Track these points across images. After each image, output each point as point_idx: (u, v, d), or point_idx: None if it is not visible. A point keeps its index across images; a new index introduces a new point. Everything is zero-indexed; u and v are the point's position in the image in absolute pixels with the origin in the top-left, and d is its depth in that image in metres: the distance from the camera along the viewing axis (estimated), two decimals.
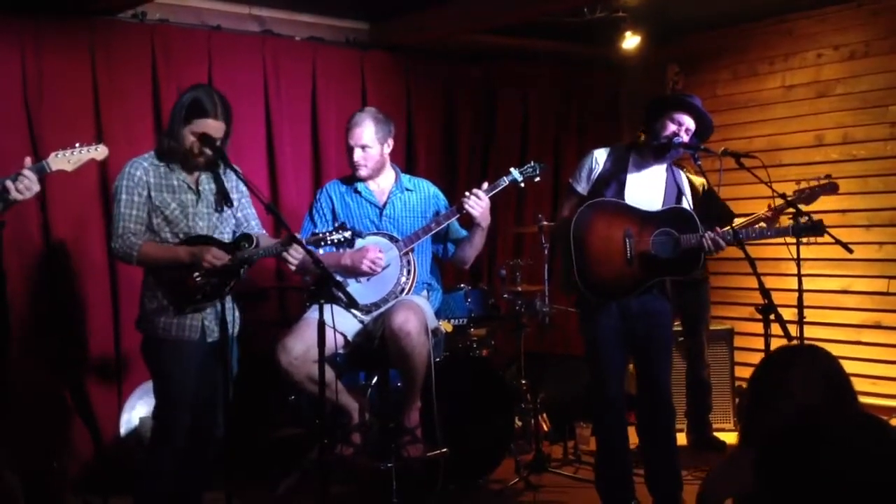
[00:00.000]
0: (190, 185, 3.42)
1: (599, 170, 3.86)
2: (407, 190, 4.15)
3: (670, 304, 3.96)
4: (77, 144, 3.17)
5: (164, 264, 3.35)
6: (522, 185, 4.03)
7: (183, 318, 3.38)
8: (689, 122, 3.78)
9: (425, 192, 4.19)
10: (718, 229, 3.72)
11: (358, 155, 4.03)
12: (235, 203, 3.51)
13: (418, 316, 3.80)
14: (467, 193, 3.91)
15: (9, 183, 2.99)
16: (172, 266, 3.34)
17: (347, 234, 3.49)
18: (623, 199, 3.81)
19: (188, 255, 3.32)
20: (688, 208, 3.84)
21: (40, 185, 3.07)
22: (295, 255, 3.41)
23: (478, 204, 3.88)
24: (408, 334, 3.74)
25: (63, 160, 3.12)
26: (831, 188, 3.88)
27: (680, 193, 3.88)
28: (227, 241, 3.46)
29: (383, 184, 4.14)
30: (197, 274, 3.30)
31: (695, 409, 5.19)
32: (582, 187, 3.90)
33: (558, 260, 4.08)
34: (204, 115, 3.31)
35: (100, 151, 3.20)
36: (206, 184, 3.46)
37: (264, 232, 3.64)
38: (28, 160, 3.08)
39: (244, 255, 3.35)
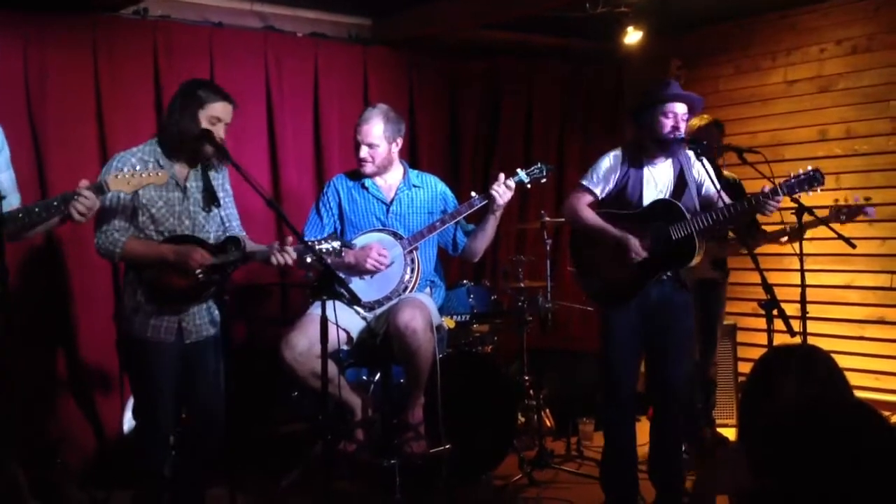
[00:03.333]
0: (178, 182, 3.35)
1: (619, 173, 3.85)
2: (414, 186, 4.14)
3: (691, 296, 3.93)
4: (137, 167, 3.14)
5: (147, 262, 3.28)
6: (528, 185, 4.02)
7: (159, 320, 3.31)
8: (681, 110, 3.79)
9: (433, 190, 4.18)
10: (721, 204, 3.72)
11: (364, 152, 4.01)
12: (221, 202, 3.46)
13: (424, 313, 3.80)
14: (497, 184, 3.89)
15: (70, 207, 2.97)
16: (155, 265, 3.27)
17: (336, 244, 3.46)
18: (642, 198, 3.81)
19: (174, 254, 3.25)
20: (669, 198, 3.82)
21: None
22: (283, 258, 3.34)
23: (507, 192, 3.89)
24: (414, 332, 3.75)
25: (122, 181, 3.08)
26: (868, 212, 3.87)
27: (684, 184, 3.87)
28: (211, 240, 3.40)
29: (391, 180, 4.13)
30: (200, 272, 3.25)
31: (699, 405, 5.17)
32: (599, 189, 3.88)
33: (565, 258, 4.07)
34: (218, 95, 3.30)
35: (160, 176, 3.16)
36: (194, 181, 3.40)
37: (244, 233, 3.58)
38: (85, 181, 3.03)
39: (229, 259, 3.28)
